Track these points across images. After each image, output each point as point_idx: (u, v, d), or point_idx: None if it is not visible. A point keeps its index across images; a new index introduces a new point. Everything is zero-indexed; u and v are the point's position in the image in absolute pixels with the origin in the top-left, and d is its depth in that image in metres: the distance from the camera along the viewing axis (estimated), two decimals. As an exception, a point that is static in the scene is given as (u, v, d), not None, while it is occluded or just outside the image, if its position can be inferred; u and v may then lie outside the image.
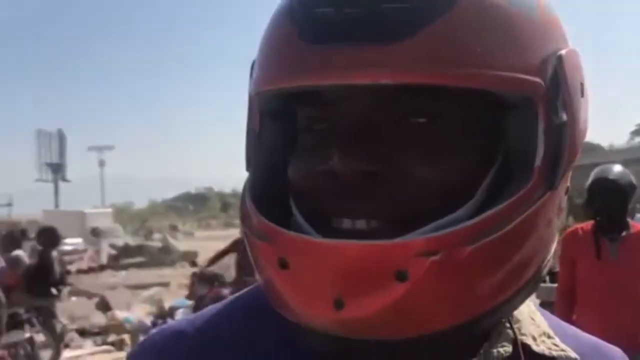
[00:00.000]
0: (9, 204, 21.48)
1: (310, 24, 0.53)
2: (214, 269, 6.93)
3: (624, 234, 3.56)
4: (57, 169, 40.11)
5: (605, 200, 3.56)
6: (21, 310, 6.37)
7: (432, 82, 0.51)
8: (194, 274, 6.50)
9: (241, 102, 0.65)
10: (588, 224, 3.73)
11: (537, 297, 6.16)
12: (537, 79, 0.54)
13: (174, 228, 42.19)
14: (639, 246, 3.55)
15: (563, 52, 0.57)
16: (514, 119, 0.56)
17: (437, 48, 0.51)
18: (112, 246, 24.16)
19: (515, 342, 0.63)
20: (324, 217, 0.56)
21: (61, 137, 40.72)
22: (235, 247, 6.73)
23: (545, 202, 0.56)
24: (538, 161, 0.55)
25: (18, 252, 7.88)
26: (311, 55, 0.52)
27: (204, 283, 6.31)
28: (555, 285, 5.08)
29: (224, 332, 0.64)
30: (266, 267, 0.56)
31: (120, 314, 10.00)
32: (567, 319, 3.63)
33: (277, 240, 0.54)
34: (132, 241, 26.82)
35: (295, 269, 0.53)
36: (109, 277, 17.83)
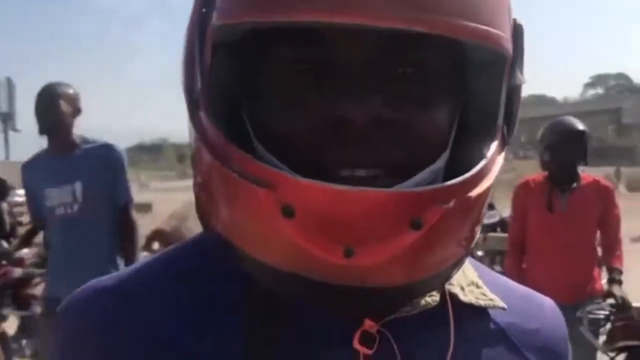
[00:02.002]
0: (-44, 155, 20.91)
1: None
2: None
3: (574, 185, 3.63)
4: (7, 119, 39.01)
5: (559, 152, 3.61)
6: (-31, 263, 6.21)
7: (454, 34, 0.51)
8: None
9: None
10: (539, 176, 3.78)
11: (487, 246, 6.29)
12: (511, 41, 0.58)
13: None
14: (587, 197, 3.63)
15: (520, 22, 0.60)
16: (481, 77, 0.60)
17: (458, 2, 0.51)
18: (65, 197, 23.74)
19: (443, 291, 0.63)
20: (312, 165, 0.53)
21: (10, 86, 39.50)
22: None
23: (501, 155, 0.60)
24: (500, 118, 0.60)
25: (-35, 204, 7.69)
26: None
27: None
28: (506, 234, 5.20)
29: (151, 288, 0.61)
30: (261, 214, 0.52)
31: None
32: (517, 268, 3.71)
33: (282, 187, 0.51)
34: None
35: (302, 216, 0.51)
36: (62, 228, 17.53)
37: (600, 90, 78.40)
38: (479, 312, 0.65)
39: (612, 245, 3.68)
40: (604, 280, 3.77)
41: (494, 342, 0.65)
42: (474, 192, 0.55)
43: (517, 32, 0.60)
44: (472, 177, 0.55)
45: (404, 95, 0.56)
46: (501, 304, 0.65)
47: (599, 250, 3.77)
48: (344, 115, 0.53)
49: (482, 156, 0.57)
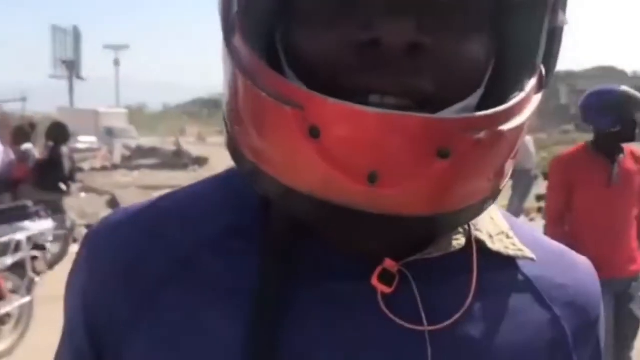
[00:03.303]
0: (23, 99, 21.51)
1: None
2: None
3: (620, 156, 3.49)
4: (72, 66, 40.05)
5: (633, 126, 3.45)
6: (30, 203, 6.43)
7: None
8: None
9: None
10: (579, 148, 3.62)
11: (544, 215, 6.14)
12: None
13: (183, 132, 42.32)
14: (631, 169, 3.50)
15: None
16: (522, 15, 0.58)
17: None
18: (126, 147, 24.39)
19: (469, 237, 0.61)
20: (342, 90, 0.51)
21: (76, 34, 40.44)
22: None
23: (538, 97, 0.58)
24: (539, 58, 0.58)
25: (27, 146, 7.94)
26: None
27: None
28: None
29: (177, 214, 0.63)
30: (288, 135, 0.51)
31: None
32: (560, 240, 3.60)
33: (311, 107, 0.50)
34: (146, 143, 26.99)
35: (329, 138, 0.50)
36: (121, 176, 18.07)
37: (673, 65, 75.07)
38: (507, 262, 0.64)
39: None
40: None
41: (519, 293, 0.63)
42: (506, 127, 0.53)
43: None
44: (505, 110, 0.53)
45: (441, 22, 0.54)
46: (530, 255, 0.64)
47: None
48: (377, 37, 0.51)
49: (516, 94, 0.55)
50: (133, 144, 25.62)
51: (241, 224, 0.61)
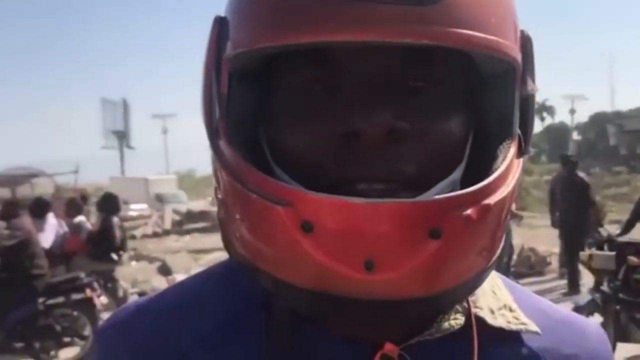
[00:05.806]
0: (76, 171, 22.13)
1: None
2: None
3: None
4: (122, 137, 41.15)
5: None
6: (82, 275, 6.57)
7: (467, 46, 0.53)
8: None
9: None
10: None
11: (594, 265, 5.97)
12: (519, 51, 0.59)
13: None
14: None
15: (528, 32, 0.61)
16: (494, 88, 0.60)
17: (469, 15, 0.53)
18: (176, 212, 24.72)
19: (468, 314, 0.62)
20: (330, 181, 0.54)
21: (125, 106, 41.69)
22: None
23: (519, 163, 0.60)
24: (515, 127, 0.60)
25: (80, 219, 8.15)
26: (349, 10, 0.51)
27: None
28: (613, 253, 4.96)
29: (180, 311, 0.64)
30: (281, 232, 0.53)
31: (180, 278, 10.24)
32: None
33: (301, 203, 0.52)
34: (195, 207, 27.31)
35: (322, 232, 0.52)
36: (172, 241, 18.27)
37: None
38: (510, 337, 0.63)
39: None
40: None
41: None
42: (492, 200, 0.54)
43: (526, 42, 0.60)
44: (489, 184, 0.55)
45: (416, 107, 0.56)
46: (534, 328, 0.64)
47: None
48: (355, 129, 0.53)
49: (499, 165, 0.57)
50: (183, 208, 25.95)
51: (242, 315, 0.62)
